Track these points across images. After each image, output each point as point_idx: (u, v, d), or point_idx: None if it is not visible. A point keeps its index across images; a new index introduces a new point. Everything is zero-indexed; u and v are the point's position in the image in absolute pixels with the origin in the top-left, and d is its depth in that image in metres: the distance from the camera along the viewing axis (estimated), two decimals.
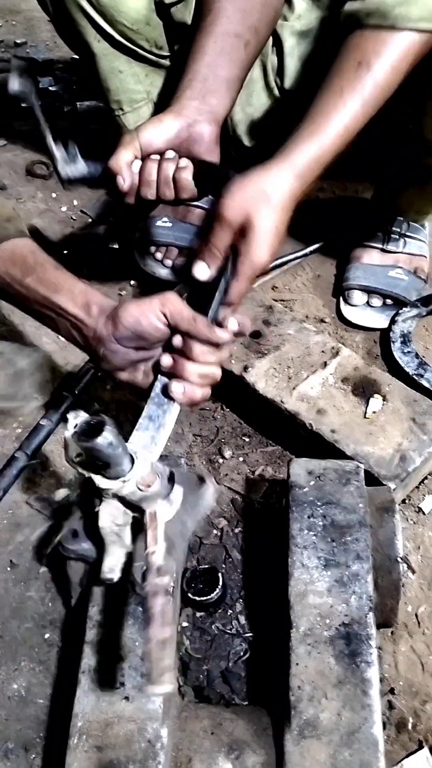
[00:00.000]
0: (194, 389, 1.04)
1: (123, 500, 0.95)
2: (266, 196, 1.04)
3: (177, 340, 1.04)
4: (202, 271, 1.06)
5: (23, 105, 2.25)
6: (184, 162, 1.18)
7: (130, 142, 1.16)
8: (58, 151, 1.24)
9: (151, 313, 1.03)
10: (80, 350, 1.12)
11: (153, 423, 1.04)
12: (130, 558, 0.96)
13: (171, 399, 1.05)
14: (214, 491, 1.03)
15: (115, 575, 0.95)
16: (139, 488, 0.94)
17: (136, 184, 1.19)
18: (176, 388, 1.04)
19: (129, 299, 1.69)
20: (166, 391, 1.05)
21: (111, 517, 0.96)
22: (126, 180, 1.17)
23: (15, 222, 1.15)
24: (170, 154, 1.19)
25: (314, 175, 1.09)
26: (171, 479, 0.96)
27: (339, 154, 1.10)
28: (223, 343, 1.04)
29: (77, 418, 0.99)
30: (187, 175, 1.18)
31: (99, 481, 0.94)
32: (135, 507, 0.95)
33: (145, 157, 1.18)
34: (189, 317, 1.02)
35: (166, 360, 1.05)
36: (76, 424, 0.99)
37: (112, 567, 0.95)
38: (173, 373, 1.04)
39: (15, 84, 1.37)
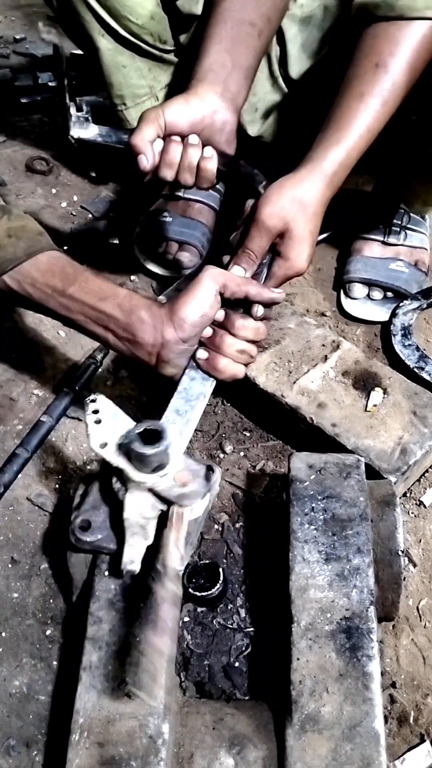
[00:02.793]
0: (231, 363, 1.09)
1: (156, 494, 0.95)
2: (303, 205, 1.09)
3: (219, 314, 1.08)
4: (238, 274, 1.10)
5: (23, 100, 2.25)
6: (210, 152, 1.18)
7: (154, 119, 1.14)
8: (72, 109, 1.24)
9: (212, 299, 1.06)
10: (127, 359, 1.12)
11: (180, 417, 1.04)
12: (149, 551, 0.96)
13: (208, 375, 1.09)
14: (219, 479, 1.05)
15: (136, 567, 0.94)
16: (176, 484, 0.94)
17: (157, 162, 1.17)
18: (217, 361, 1.08)
19: (143, 294, 1.69)
20: (196, 381, 1.09)
21: (138, 508, 0.95)
22: (149, 160, 1.15)
23: (46, 237, 1.15)
24: (194, 139, 1.17)
25: (342, 179, 1.14)
26: (208, 478, 0.96)
27: (362, 155, 1.14)
28: (279, 300, 1.11)
29: (97, 402, 0.99)
30: (212, 166, 1.18)
31: (133, 473, 0.93)
32: (168, 502, 0.95)
33: (166, 136, 1.17)
34: (243, 280, 1.08)
35: (202, 353, 1.07)
36: (97, 410, 0.99)
37: (133, 558, 0.94)
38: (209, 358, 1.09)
39: (45, 34, 1.38)
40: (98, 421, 0.98)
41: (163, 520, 0.95)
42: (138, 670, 0.79)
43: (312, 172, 1.11)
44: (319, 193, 1.11)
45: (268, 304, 1.10)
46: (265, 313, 1.11)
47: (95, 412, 0.99)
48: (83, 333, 1.13)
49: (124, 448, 0.94)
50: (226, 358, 1.08)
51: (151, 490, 0.95)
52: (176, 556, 0.89)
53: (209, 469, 1.06)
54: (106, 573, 1.04)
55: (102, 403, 1.00)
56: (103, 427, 0.98)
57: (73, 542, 1.02)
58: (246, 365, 1.12)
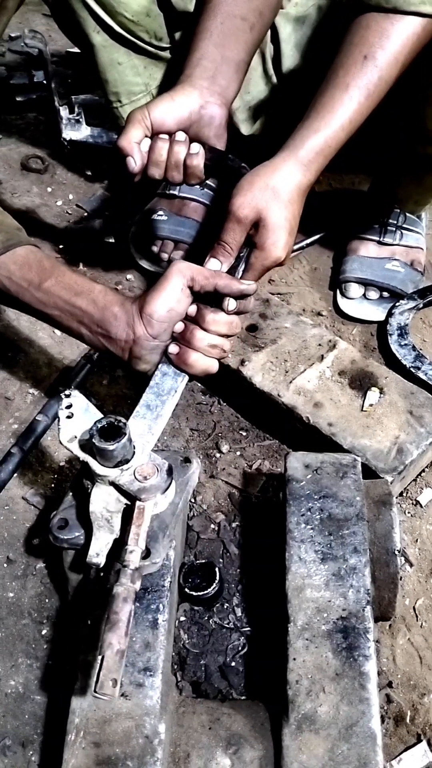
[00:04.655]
0: (201, 358, 1.06)
1: (119, 488, 0.95)
2: (276, 193, 1.07)
3: (191, 309, 1.06)
4: (214, 267, 1.08)
5: (18, 99, 2.25)
6: (196, 148, 1.18)
7: (140, 119, 1.14)
8: (63, 112, 1.23)
9: (179, 294, 1.05)
10: (102, 355, 1.11)
11: (151, 412, 1.04)
12: (116, 544, 0.96)
13: (179, 370, 1.07)
14: (198, 470, 1.04)
15: (101, 560, 0.95)
16: (136, 478, 0.94)
17: (145, 163, 1.17)
18: (187, 355, 1.06)
19: (138, 292, 1.68)
20: (168, 376, 1.07)
21: (103, 502, 0.96)
22: (137, 162, 1.15)
23: (23, 232, 1.15)
24: (181, 136, 1.17)
25: (320, 167, 1.12)
26: (170, 472, 0.97)
27: (343, 146, 1.12)
28: (249, 292, 1.07)
29: (71, 397, 1.00)
30: (199, 162, 1.18)
31: (96, 467, 0.94)
32: (129, 496, 0.95)
33: (154, 135, 1.17)
34: (211, 273, 1.06)
35: (173, 348, 1.07)
36: (70, 405, 0.99)
37: (98, 551, 0.95)
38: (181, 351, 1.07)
39: (30, 39, 1.39)
40: (70, 416, 0.99)
41: (128, 515, 0.96)
42: (99, 672, 0.80)
43: (287, 159, 1.09)
44: (294, 181, 1.09)
45: (238, 297, 1.08)
46: (238, 306, 1.09)
47: (68, 407, 1.00)
48: (58, 328, 1.13)
49: (88, 443, 0.95)
50: (196, 352, 1.06)
51: (113, 484, 0.96)
52: (134, 551, 0.89)
53: (186, 461, 1.06)
54: (101, 573, 1.04)
55: (75, 398, 1.00)
56: (74, 422, 0.98)
57: (52, 540, 1.03)
58: (220, 359, 1.10)
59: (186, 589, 1.11)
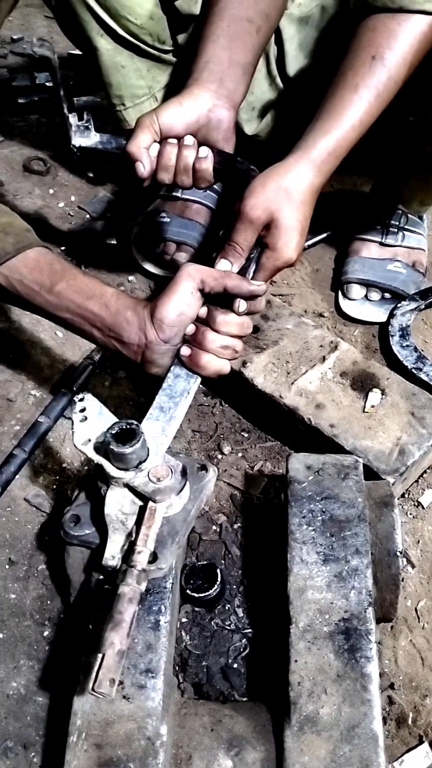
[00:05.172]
0: (214, 359, 1.07)
1: (133, 489, 0.96)
2: (288, 194, 1.07)
3: (202, 311, 1.07)
4: (225, 268, 1.09)
5: (21, 101, 2.25)
6: (205, 151, 1.18)
7: (149, 124, 1.14)
8: (72, 118, 1.24)
9: (190, 297, 1.05)
10: (114, 357, 1.12)
11: (164, 414, 1.04)
12: (131, 546, 0.97)
13: (192, 372, 1.07)
14: (214, 478, 1.04)
15: (117, 562, 0.95)
16: (151, 480, 0.94)
17: (154, 168, 1.18)
18: (199, 357, 1.06)
19: (140, 294, 1.68)
20: (180, 378, 1.07)
21: (118, 504, 0.97)
22: (146, 167, 1.16)
23: (33, 233, 1.15)
24: (189, 140, 1.17)
25: (331, 168, 1.12)
26: (184, 474, 0.97)
27: (353, 146, 1.13)
28: (259, 293, 1.07)
29: (84, 401, 1.01)
30: (208, 166, 1.18)
31: (110, 469, 0.95)
32: (144, 497, 0.95)
33: (163, 140, 1.17)
34: (220, 273, 1.06)
35: (185, 350, 1.07)
36: (84, 408, 1.00)
37: (114, 554, 0.96)
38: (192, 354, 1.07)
39: (38, 47, 1.39)
40: (84, 419, 0.99)
41: (141, 517, 0.96)
42: (96, 670, 0.80)
43: (299, 160, 1.09)
44: (306, 182, 1.09)
45: (248, 297, 1.08)
46: (249, 307, 1.09)
47: (82, 410, 1.00)
48: (70, 330, 1.13)
49: (102, 446, 0.95)
50: (208, 354, 1.07)
51: (128, 486, 0.96)
52: (142, 552, 0.90)
53: (202, 468, 1.06)
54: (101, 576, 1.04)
55: (89, 401, 1.01)
56: (87, 425, 0.99)
57: (63, 536, 1.03)
58: (232, 360, 1.10)
59: (188, 591, 1.11)
